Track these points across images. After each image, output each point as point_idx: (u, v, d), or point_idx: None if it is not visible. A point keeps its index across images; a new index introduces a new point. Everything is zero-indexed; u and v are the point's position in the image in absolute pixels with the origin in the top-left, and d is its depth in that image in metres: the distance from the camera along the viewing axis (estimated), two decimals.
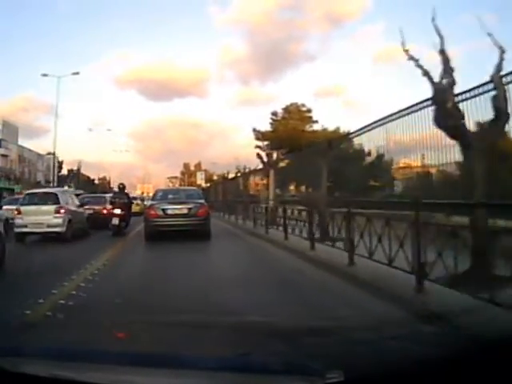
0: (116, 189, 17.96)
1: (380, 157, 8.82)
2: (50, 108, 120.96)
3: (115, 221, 14.58)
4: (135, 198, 34.69)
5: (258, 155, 16.32)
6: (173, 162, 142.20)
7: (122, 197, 15.65)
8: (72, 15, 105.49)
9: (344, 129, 37.20)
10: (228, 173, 24.04)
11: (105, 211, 16.66)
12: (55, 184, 42.88)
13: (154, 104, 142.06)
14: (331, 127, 43.15)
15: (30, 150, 66.46)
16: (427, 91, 5.55)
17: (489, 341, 1.43)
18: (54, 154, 40.96)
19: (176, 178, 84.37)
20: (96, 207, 17.01)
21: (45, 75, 38.53)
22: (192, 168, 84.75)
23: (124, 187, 16.50)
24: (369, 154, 9.41)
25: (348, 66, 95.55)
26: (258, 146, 44.84)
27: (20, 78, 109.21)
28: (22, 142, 58.03)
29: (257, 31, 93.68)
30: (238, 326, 1.99)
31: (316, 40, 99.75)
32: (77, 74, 38.27)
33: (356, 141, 10.02)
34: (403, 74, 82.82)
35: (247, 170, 19.15)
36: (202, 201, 13.58)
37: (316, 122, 45.60)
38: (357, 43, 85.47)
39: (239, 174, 20.48)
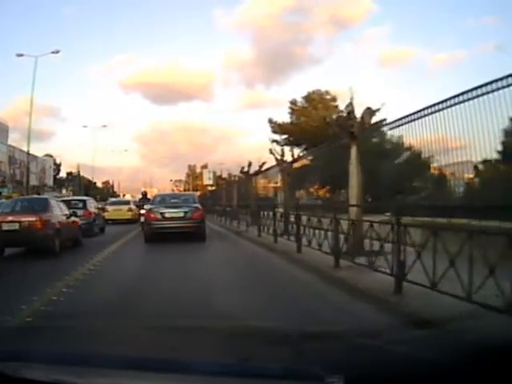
0: (119, 193, 21.78)
1: (419, 152, 7.26)
2: (54, 111, 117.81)
3: (142, 219, 16.15)
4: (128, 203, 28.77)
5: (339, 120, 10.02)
6: (178, 166, 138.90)
7: (145, 201, 19.28)
8: (76, 18, 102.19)
9: (375, 120, 30.15)
10: (250, 165, 16.55)
11: (38, 224, 9.45)
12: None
13: (159, 107, 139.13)
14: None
15: (21, 151, 61.23)
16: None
17: (488, 345, 1.40)
18: (28, 152, 34.59)
19: (181, 181, 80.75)
20: (24, 218, 9.55)
21: (20, 55, 32.06)
22: (198, 170, 79.88)
23: (146, 193, 21.89)
24: (409, 148, 7.86)
25: (353, 69, 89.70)
26: (274, 141, 37.63)
27: (23, 81, 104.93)
28: (24, 144, 53.34)
29: (262, 34, 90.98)
30: (238, 331, 1.96)
31: (321, 43, 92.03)
32: (57, 52, 31.66)
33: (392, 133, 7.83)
34: (409, 77, 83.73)
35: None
36: (197, 205, 14.19)
37: (342, 112, 38.53)
38: (362, 46, 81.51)
39: (276, 162, 13.05)
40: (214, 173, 27.24)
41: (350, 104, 7.93)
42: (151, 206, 14.06)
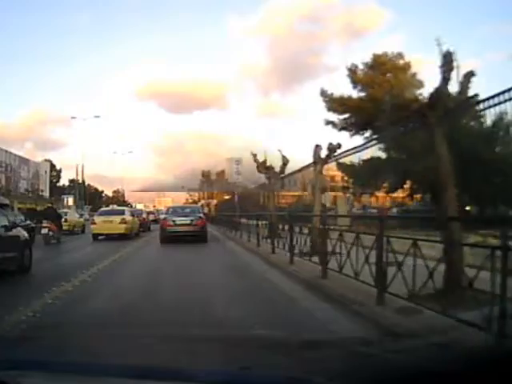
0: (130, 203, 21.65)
1: None
2: (67, 121, 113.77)
3: None
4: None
5: None
6: (193, 175, 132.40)
7: None
8: (90, 30, 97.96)
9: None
10: None
11: None
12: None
13: (174, 117, 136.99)
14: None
15: (7, 152, 52.32)
16: None
17: (488, 356, 1.39)
18: None
19: (194, 190, 74.77)
20: None
21: None
22: (213, 177, 70.50)
23: None
24: None
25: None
26: (329, 122, 26.41)
27: (36, 91, 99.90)
28: (38, 154, 45.12)
29: (277, 43, 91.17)
30: (239, 340, 1.96)
31: (336, 52, 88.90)
32: None
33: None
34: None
35: None
36: (201, 214, 18.77)
37: (422, 83, 27.48)
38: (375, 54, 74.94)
39: None
40: (255, 155, 14.91)
41: None
42: (166, 216, 18.90)
